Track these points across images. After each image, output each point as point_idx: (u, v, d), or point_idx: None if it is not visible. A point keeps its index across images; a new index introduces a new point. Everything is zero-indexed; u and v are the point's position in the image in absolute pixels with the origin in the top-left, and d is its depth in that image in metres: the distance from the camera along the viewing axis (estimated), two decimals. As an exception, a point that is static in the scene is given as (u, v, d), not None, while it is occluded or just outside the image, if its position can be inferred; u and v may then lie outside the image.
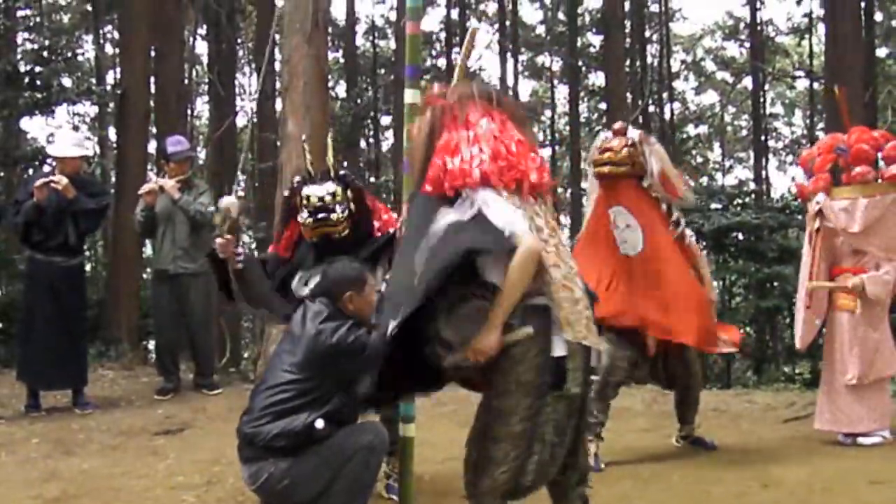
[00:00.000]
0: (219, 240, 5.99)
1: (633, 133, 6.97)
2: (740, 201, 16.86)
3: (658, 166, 6.85)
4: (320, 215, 5.87)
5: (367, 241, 6.05)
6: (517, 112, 4.65)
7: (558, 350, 4.24)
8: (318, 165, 6.19)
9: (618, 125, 7.12)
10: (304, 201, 5.91)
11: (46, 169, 9.63)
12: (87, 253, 18.82)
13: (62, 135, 11.64)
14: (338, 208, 5.90)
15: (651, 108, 30.17)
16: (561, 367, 4.25)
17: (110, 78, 23.45)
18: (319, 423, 4.84)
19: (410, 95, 5.41)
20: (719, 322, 7.51)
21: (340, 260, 5.53)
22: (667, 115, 32.35)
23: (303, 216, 5.92)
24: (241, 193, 6.21)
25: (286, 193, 6.32)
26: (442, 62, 31.70)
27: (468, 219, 4.25)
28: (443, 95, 4.56)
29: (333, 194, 5.90)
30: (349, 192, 5.98)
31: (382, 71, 31.05)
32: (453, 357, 4.31)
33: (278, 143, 12.20)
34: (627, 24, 26.74)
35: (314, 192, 5.90)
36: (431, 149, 4.46)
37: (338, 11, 29.10)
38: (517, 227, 4.18)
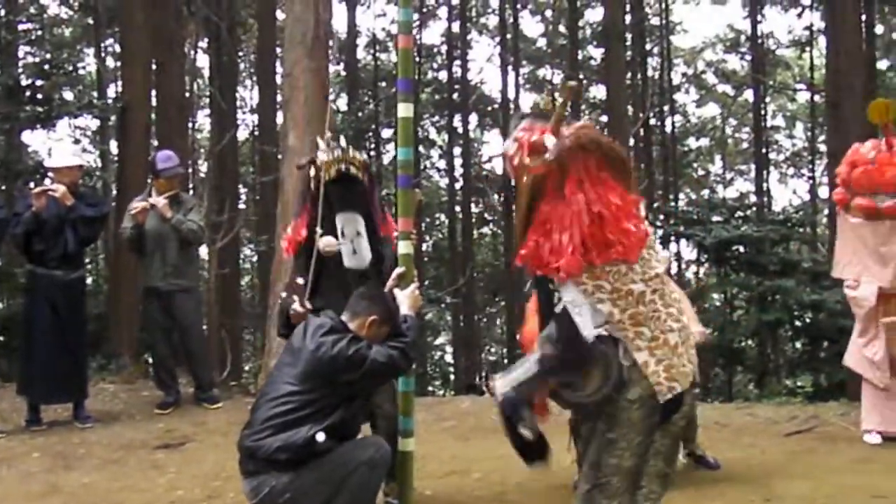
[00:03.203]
0: (296, 307, 5.99)
1: None
2: (741, 214, 16.88)
3: None
4: (339, 150, 6.06)
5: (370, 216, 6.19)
6: (620, 162, 4.37)
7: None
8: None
9: None
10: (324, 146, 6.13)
11: (47, 182, 9.62)
12: (88, 266, 18.80)
13: (59, 147, 11.67)
14: (358, 154, 6.14)
15: (652, 121, 30.23)
16: (678, 402, 4.22)
17: (111, 91, 23.44)
18: (321, 437, 4.83)
19: (404, 109, 5.44)
20: None
21: (379, 290, 5.50)
22: (668, 128, 32.41)
23: (321, 157, 6.05)
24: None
25: (300, 164, 6.50)
26: (443, 75, 31.72)
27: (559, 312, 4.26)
28: (540, 150, 4.26)
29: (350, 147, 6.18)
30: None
31: (384, 84, 31.07)
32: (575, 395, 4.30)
33: (279, 157, 12.18)
34: (628, 36, 26.76)
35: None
36: (531, 217, 4.29)
37: (339, 24, 29.10)
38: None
